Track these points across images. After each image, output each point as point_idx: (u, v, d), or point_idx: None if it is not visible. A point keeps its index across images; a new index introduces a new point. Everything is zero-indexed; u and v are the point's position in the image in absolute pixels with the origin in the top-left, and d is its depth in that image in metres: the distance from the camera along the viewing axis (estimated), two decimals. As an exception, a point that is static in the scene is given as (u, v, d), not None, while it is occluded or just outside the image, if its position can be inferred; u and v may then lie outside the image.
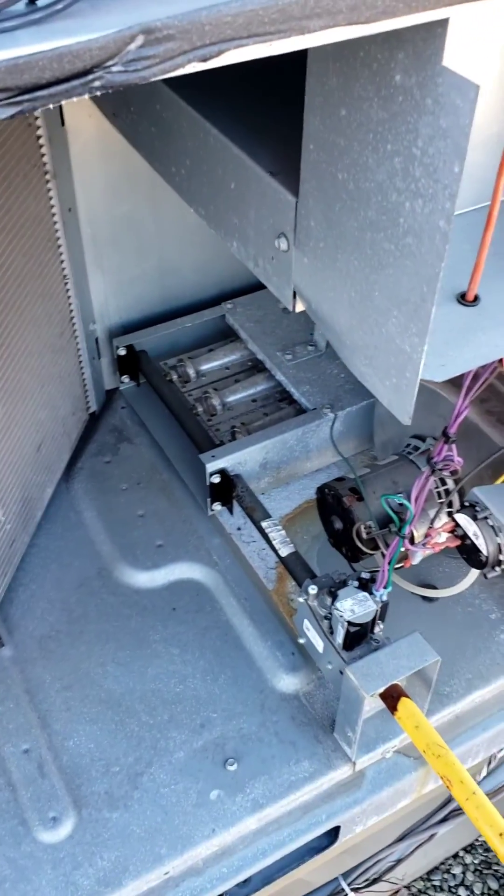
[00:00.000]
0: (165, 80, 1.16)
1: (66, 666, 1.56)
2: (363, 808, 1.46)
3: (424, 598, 1.66)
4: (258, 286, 2.10)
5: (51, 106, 0.54)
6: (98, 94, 0.55)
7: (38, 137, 1.54)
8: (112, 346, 1.95)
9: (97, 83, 0.55)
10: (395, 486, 1.51)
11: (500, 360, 1.22)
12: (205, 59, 0.57)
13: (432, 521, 1.43)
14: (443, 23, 0.67)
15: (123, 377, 2.00)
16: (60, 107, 1.58)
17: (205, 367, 1.97)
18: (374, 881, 2.05)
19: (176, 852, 1.35)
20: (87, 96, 0.55)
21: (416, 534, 1.47)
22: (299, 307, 1.05)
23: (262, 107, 1.13)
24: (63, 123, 1.60)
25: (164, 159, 1.26)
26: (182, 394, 1.92)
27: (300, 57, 0.88)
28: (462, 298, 0.97)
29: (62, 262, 1.71)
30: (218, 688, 1.54)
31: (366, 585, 1.42)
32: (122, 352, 1.94)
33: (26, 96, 0.53)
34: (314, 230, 0.94)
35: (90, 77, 0.54)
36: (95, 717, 1.50)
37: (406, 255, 0.81)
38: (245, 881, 1.44)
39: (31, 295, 1.59)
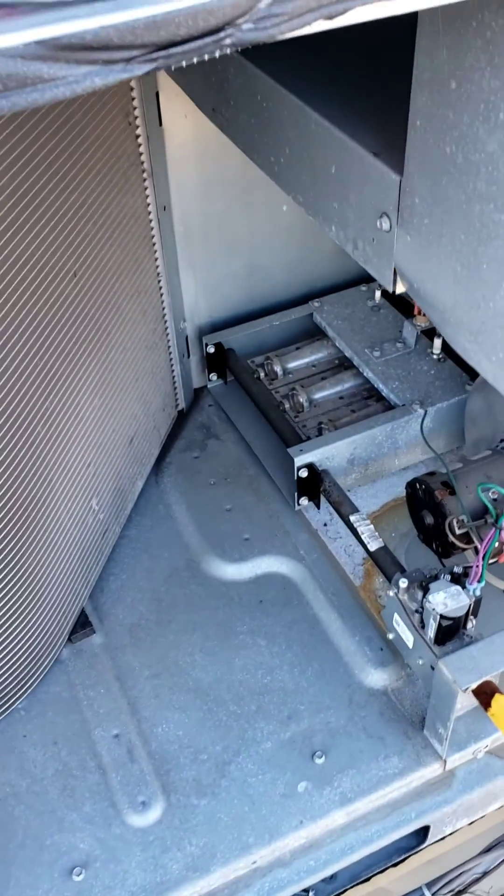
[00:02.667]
0: (264, 68, 1.18)
1: (154, 654, 1.59)
2: (453, 808, 1.43)
3: (517, 597, 1.63)
4: (345, 285, 2.10)
5: (184, 63, 0.56)
6: (228, 51, 0.57)
7: (137, 136, 1.58)
8: (201, 343, 1.98)
9: (228, 40, 0.56)
10: (488, 481, 1.49)
11: None
12: (331, 17, 0.58)
13: (528, 515, 1.41)
14: None
15: (211, 375, 2.02)
16: (158, 107, 1.62)
17: (292, 364, 1.98)
18: (459, 893, 2.01)
19: (263, 842, 1.35)
20: (217, 54, 0.57)
21: (510, 528, 1.44)
22: (400, 288, 1.05)
23: (361, 89, 1.13)
24: (161, 123, 1.64)
25: (263, 150, 1.27)
26: (269, 391, 1.93)
27: (396, 37, 0.89)
28: None
29: (156, 259, 1.75)
30: (305, 680, 1.54)
31: (458, 580, 1.40)
32: (211, 349, 1.97)
33: (162, 52, 0.55)
34: (418, 207, 0.94)
35: (222, 35, 0.56)
36: (184, 706, 1.51)
37: (517, 225, 0.80)
38: (331, 877, 1.43)
39: (128, 291, 1.63)
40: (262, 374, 1.98)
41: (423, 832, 1.45)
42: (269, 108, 1.20)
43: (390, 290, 1.06)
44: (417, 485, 1.54)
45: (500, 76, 0.77)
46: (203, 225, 1.86)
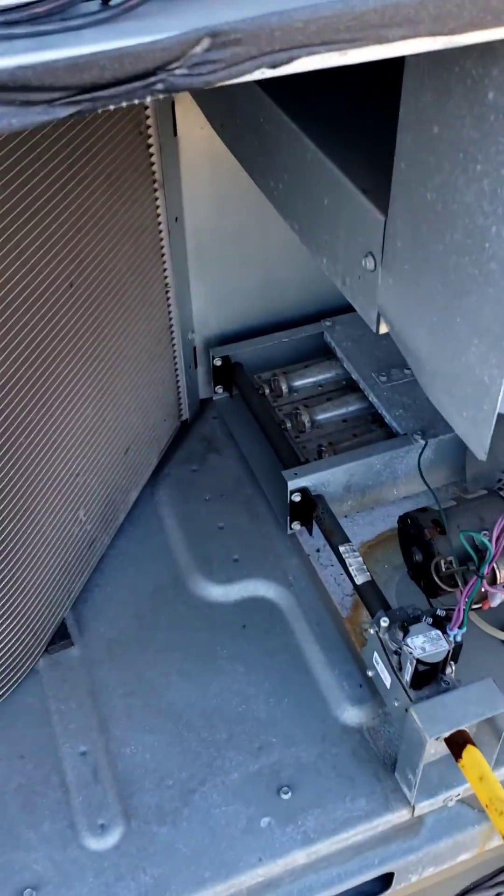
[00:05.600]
0: (269, 92, 1.15)
1: (131, 672, 1.56)
2: (419, 856, 1.39)
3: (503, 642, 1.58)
4: (361, 306, 2.06)
5: (111, 107, 0.53)
6: (160, 97, 0.54)
7: (149, 147, 1.55)
8: (209, 356, 1.95)
9: (159, 86, 0.53)
10: (480, 522, 1.44)
11: None
12: (275, 66, 0.55)
13: (516, 563, 1.36)
14: (540, 37, 0.63)
15: (217, 387, 2.00)
16: (174, 117, 1.60)
17: (298, 382, 1.95)
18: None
19: (220, 877, 1.32)
20: (148, 99, 0.54)
21: (498, 574, 1.40)
22: (383, 329, 1.02)
23: (360, 122, 1.10)
24: (175, 133, 1.62)
25: (264, 172, 1.25)
26: (272, 408, 1.90)
27: (398, 70, 0.85)
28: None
29: (165, 270, 1.72)
30: (280, 712, 1.51)
31: (440, 623, 1.36)
32: (218, 362, 1.94)
33: (86, 96, 0.52)
34: (400, 251, 0.91)
35: (152, 80, 0.53)
36: (154, 728, 1.49)
37: (490, 282, 0.76)
38: (288, 917, 1.40)
39: (132, 300, 1.61)
40: (267, 391, 1.95)
41: (387, 879, 1.41)
42: (271, 131, 1.17)
43: (374, 329, 1.03)
44: (408, 521, 1.50)
45: (479, 127, 0.73)
46: (216, 238, 1.84)
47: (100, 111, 0.54)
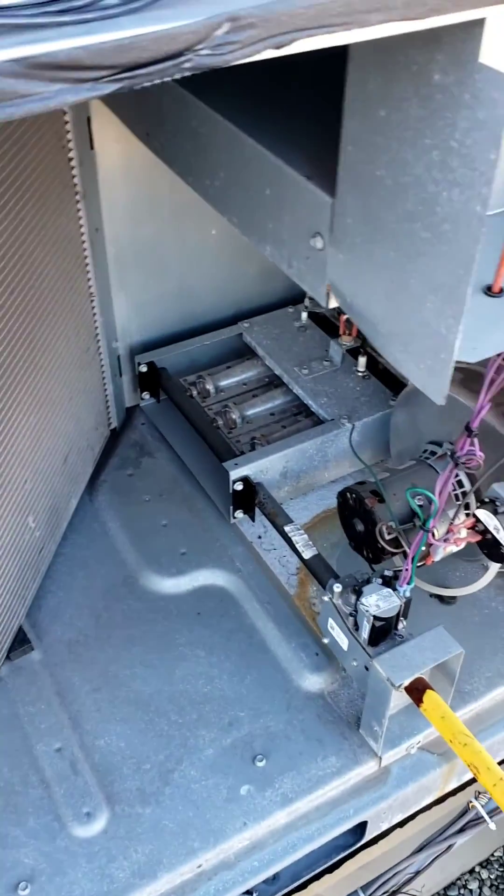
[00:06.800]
0: (200, 96, 1.24)
1: (94, 669, 1.60)
2: (389, 803, 1.49)
3: (442, 600, 1.71)
4: (271, 307, 2.17)
5: (146, 84, 0.61)
6: (187, 73, 0.62)
7: (70, 159, 1.62)
8: (133, 363, 2.01)
9: (187, 64, 0.61)
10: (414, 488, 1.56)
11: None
12: (279, 47, 0.64)
13: (452, 519, 1.49)
14: (480, 22, 0.74)
15: (144, 393, 2.06)
16: (90, 131, 1.67)
17: (223, 383, 2.04)
18: (393, 894, 2.06)
19: (208, 846, 1.37)
20: (176, 76, 0.62)
21: (436, 532, 1.52)
22: (332, 303, 1.11)
23: (292, 115, 1.20)
24: (92, 147, 1.69)
25: (198, 173, 1.33)
26: (202, 408, 1.98)
27: (325, 65, 0.96)
28: (489, 291, 1.04)
29: (89, 280, 1.78)
30: (244, 688, 1.57)
31: (389, 583, 1.47)
32: (144, 368, 2.00)
33: (127, 74, 0.60)
34: (351, 227, 1.01)
35: (182, 59, 0.61)
36: (125, 717, 1.53)
37: (443, 242, 0.87)
38: (274, 878, 1.47)
39: (62, 310, 1.66)
40: (194, 393, 2.03)
41: (361, 828, 1.50)
42: (205, 133, 1.26)
43: (323, 304, 1.12)
44: (348, 494, 1.60)
45: (426, 105, 0.84)
46: (134, 247, 1.91)
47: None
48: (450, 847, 1.98)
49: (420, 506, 1.42)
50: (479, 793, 1.82)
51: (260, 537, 1.82)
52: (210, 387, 2.01)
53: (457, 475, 1.50)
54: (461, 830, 1.95)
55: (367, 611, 1.42)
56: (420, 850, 1.96)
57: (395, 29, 0.69)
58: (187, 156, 1.35)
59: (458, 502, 1.53)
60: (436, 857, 1.99)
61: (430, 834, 1.93)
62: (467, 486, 1.54)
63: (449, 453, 1.34)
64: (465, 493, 1.54)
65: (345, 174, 0.99)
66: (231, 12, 0.61)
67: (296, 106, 1.25)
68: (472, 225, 0.83)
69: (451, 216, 0.85)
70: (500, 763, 1.87)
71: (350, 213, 1.01)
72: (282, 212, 1.14)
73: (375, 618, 1.42)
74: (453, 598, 1.72)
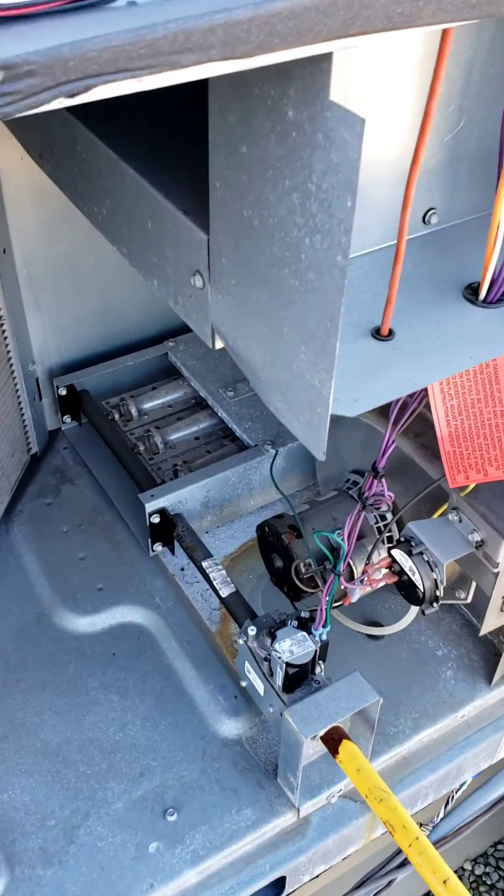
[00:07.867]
0: (84, 121, 1.16)
1: (1, 716, 1.52)
2: (308, 856, 1.42)
3: (369, 636, 1.64)
4: (202, 324, 2.09)
5: None
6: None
7: (-30, 179, 1.53)
8: (53, 386, 1.93)
9: (-44, 119, 0.53)
10: (334, 523, 1.49)
11: (426, 391, 1.22)
12: (72, 95, 0.56)
13: (369, 557, 1.42)
14: (327, 57, 0.67)
15: (65, 417, 1.97)
16: (-9, 148, 1.58)
17: (147, 405, 1.96)
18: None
19: (112, 910, 1.30)
20: None
21: (355, 570, 1.45)
22: (219, 344, 1.04)
23: (179, 145, 1.12)
24: (-6, 166, 1.60)
25: (86, 199, 1.25)
26: (124, 433, 1.90)
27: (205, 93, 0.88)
28: (377, 333, 0.96)
29: (-3, 303, 1.69)
30: (158, 735, 1.50)
31: (305, 625, 1.40)
32: (63, 391, 1.92)
33: None
34: (226, 267, 0.93)
35: None
36: (31, 769, 1.45)
37: (309, 291, 0.80)
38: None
39: (-35, 336, 1.57)
40: (117, 416, 1.94)
41: (280, 883, 1.43)
42: (88, 158, 1.18)
43: (210, 345, 1.05)
44: (266, 529, 1.53)
45: (283, 143, 0.76)
46: (48, 267, 1.82)
47: None
48: (390, 882, 1.92)
49: (332, 548, 1.35)
50: (422, 824, 1.76)
51: (183, 569, 1.74)
52: (133, 409, 1.93)
53: (371, 511, 1.43)
54: (402, 865, 1.89)
55: (279, 657, 1.35)
56: (359, 886, 1.90)
57: (216, 70, 0.60)
58: (75, 181, 1.26)
59: (378, 537, 1.46)
60: (376, 894, 1.93)
61: (370, 869, 1.87)
62: (389, 519, 1.48)
63: (356, 495, 1.27)
64: (387, 526, 1.47)
65: (215, 212, 0.91)
66: (4, 59, 0.53)
67: (187, 136, 1.16)
68: (334, 275, 0.75)
69: (314, 264, 0.78)
70: (443, 804, 1.83)
71: (224, 252, 0.93)
72: (164, 246, 1.06)
73: (288, 664, 1.35)
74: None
